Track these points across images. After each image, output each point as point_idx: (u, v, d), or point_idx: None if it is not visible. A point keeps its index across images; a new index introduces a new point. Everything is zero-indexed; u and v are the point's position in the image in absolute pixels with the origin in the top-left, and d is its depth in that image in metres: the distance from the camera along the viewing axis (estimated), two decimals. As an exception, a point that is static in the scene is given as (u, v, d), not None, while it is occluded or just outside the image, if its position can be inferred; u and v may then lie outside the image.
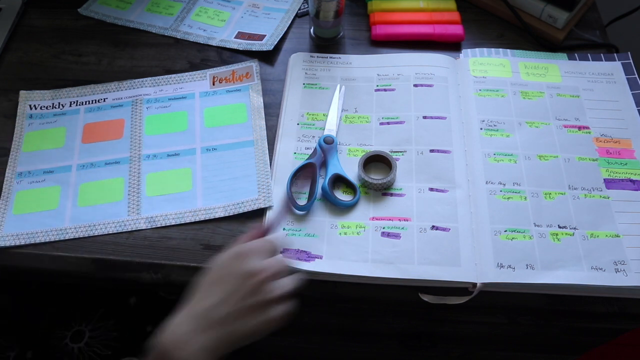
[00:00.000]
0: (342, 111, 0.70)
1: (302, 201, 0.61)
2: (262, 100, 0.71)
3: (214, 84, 0.73)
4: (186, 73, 0.74)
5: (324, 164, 0.64)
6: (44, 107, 0.72)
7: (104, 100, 0.72)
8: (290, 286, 0.51)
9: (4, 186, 0.65)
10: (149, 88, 0.73)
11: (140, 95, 0.72)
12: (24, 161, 0.67)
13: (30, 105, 0.72)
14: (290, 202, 0.60)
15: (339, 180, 0.63)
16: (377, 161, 0.65)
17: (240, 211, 0.62)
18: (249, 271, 0.48)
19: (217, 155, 0.66)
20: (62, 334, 0.67)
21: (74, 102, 0.72)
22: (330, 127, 0.67)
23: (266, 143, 0.67)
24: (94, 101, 0.72)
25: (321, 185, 0.62)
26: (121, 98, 0.72)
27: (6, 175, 0.66)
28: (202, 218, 0.62)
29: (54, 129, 0.70)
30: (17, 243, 0.60)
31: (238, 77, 0.73)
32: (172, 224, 0.61)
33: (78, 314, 0.70)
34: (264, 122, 0.69)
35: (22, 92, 0.73)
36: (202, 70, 0.75)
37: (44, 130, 0.70)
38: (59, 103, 0.72)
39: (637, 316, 0.58)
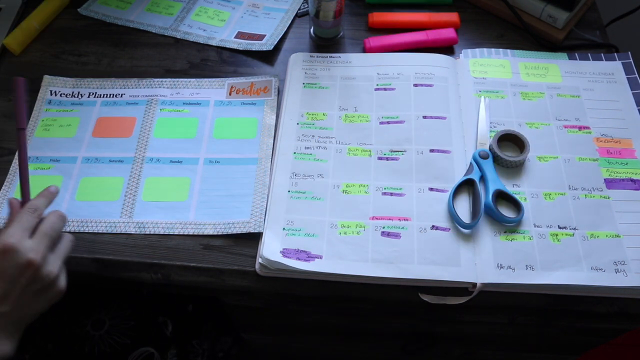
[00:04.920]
0: (341, 110, 0.70)
1: (466, 219, 0.60)
2: (274, 119, 0.70)
3: (230, 94, 0.72)
4: (205, 79, 0.74)
5: (483, 180, 0.62)
6: (64, 94, 0.72)
7: (121, 96, 0.72)
8: (65, 252, 0.52)
9: (11, 167, 0.66)
10: (166, 89, 0.73)
11: (156, 96, 0.72)
12: (34, 146, 0.68)
13: (51, 91, 0.72)
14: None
15: (500, 197, 0.62)
16: (506, 140, 0.66)
17: (230, 232, 0.61)
18: (20, 263, 0.47)
19: (218, 169, 0.66)
20: (83, 322, 0.68)
21: (93, 94, 0.73)
22: (483, 140, 0.65)
23: (269, 163, 0.66)
24: (111, 95, 0.72)
25: (484, 202, 0.60)
26: (138, 96, 0.72)
27: (15, 156, 0.66)
28: (191, 232, 0.61)
29: (68, 118, 0.70)
30: None
31: (256, 90, 0.72)
32: (160, 233, 0.61)
33: (97, 303, 0.70)
34: (272, 141, 0.68)
35: (45, 77, 0.74)
36: (221, 79, 0.74)
37: (59, 118, 0.70)
38: (79, 92, 0.73)
39: (637, 316, 0.58)
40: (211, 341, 0.78)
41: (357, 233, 0.60)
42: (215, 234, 0.61)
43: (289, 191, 0.63)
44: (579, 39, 0.78)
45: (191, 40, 0.79)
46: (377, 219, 0.61)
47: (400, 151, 0.66)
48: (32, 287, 0.49)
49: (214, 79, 0.74)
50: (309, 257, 0.58)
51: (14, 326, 0.49)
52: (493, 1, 0.80)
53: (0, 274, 0.47)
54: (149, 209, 0.63)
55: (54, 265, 0.50)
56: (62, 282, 0.51)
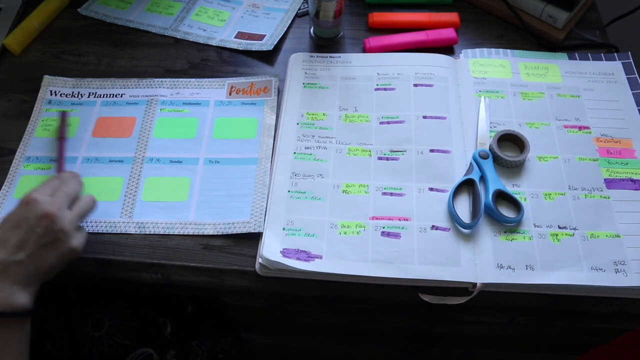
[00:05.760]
0: (341, 110, 0.70)
1: (466, 219, 0.60)
2: (274, 118, 0.69)
3: (230, 94, 0.72)
4: (205, 79, 0.74)
5: (483, 180, 0.62)
6: (64, 94, 0.73)
7: (121, 96, 0.72)
8: (82, 209, 0.55)
9: (11, 167, 0.66)
10: (166, 89, 0.73)
11: (156, 96, 0.72)
12: (34, 146, 0.68)
13: (51, 91, 0.73)
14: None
15: (500, 197, 0.62)
16: (506, 140, 0.66)
17: (230, 232, 0.61)
18: (39, 213, 0.51)
19: (218, 169, 0.66)
20: (83, 323, 0.68)
21: (93, 94, 0.73)
22: (483, 140, 0.65)
23: (269, 163, 0.65)
24: (111, 95, 0.72)
25: (484, 202, 0.60)
26: (138, 96, 0.72)
27: (16, 156, 0.67)
28: (191, 232, 0.61)
29: (68, 118, 0.70)
30: None
31: (256, 90, 0.72)
32: (160, 233, 0.61)
33: (97, 303, 0.70)
34: (272, 141, 0.68)
35: (45, 77, 0.74)
36: (221, 79, 0.74)
37: (59, 118, 0.70)
38: (79, 92, 0.73)
39: (637, 316, 0.58)
40: (211, 341, 0.78)
41: (357, 233, 0.60)
42: (215, 234, 0.61)
43: (289, 191, 0.63)
44: (579, 39, 0.78)
45: (191, 40, 0.79)
46: (377, 219, 0.61)
47: (400, 151, 0.66)
48: (45, 239, 0.51)
49: (214, 79, 0.74)
50: (309, 257, 0.58)
51: (29, 278, 0.51)
52: (493, 1, 0.80)
53: (20, 222, 0.51)
54: (149, 209, 0.63)
55: (68, 219, 0.53)
56: (77, 240, 0.53)
